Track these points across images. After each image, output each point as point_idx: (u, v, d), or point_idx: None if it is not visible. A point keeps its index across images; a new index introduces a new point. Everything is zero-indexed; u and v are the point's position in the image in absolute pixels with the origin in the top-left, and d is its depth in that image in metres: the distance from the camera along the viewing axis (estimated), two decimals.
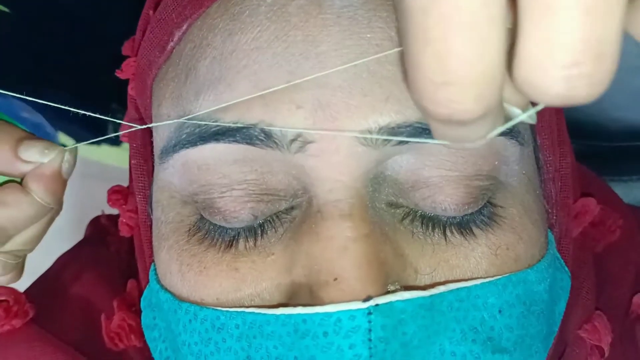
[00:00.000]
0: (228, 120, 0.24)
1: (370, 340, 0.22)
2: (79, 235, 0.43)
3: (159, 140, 0.28)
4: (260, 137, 0.23)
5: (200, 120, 0.24)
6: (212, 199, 0.25)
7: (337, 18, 0.24)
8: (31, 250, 0.30)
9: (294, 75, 0.23)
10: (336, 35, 0.23)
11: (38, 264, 0.39)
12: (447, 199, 0.24)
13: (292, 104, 0.23)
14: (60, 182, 0.27)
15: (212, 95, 0.24)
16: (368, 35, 0.23)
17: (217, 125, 0.24)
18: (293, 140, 0.23)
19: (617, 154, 0.46)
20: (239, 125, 0.23)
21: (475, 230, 0.25)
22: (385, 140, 0.23)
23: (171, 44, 0.27)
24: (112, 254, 0.38)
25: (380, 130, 0.23)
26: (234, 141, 0.24)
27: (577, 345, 0.31)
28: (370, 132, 0.23)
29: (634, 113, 0.45)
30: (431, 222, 0.25)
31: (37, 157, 0.26)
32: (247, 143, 0.24)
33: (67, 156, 0.27)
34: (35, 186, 0.27)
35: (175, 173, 0.26)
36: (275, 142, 0.23)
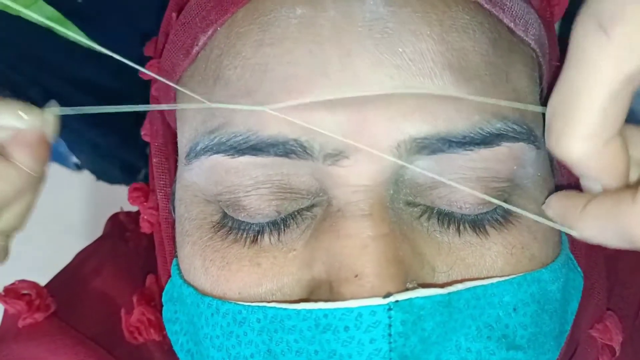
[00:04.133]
0: (267, 134, 0.24)
1: (390, 335, 0.22)
2: (94, 232, 0.44)
3: (185, 141, 0.28)
4: (297, 152, 0.24)
5: (242, 135, 0.25)
6: (237, 198, 0.26)
7: (369, 31, 0.24)
8: (21, 227, 0.27)
9: (333, 89, 0.24)
10: (370, 49, 0.24)
11: (55, 260, 0.40)
12: (463, 198, 0.25)
13: (331, 119, 0.24)
14: (46, 147, 0.24)
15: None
16: (399, 50, 0.24)
17: (255, 139, 0.24)
18: (332, 155, 0.24)
19: None
20: (279, 140, 0.24)
21: (489, 229, 0.25)
22: (417, 151, 0.24)
23: (196, 48, 0.28)
24: (131, 250, 0.39)
25: (412, 140, 0.24)
26: (270, 155, 0.24)
27: (588, 344, 0.32)
28: (403, 142, 0.24)
29: None
30: (446, 218, 0.25)
31: (13, 122, 0.23)
32: (283, 156, 0.24)
33: (48, 117, 0.24)
34: (22, 155, 0.24)
35: (201, 174, 0.27)
36: (311, 155, 0.24)
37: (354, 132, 0.24)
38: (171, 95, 0.30)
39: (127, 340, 0.34)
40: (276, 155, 0.24)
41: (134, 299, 0.35)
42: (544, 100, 0.30)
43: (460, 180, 0.25)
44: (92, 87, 0.45)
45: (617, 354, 0.32)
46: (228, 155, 0.25)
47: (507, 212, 0.26)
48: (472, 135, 0.24)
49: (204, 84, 0.27)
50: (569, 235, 0.30)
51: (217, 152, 0.25)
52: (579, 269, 0.30)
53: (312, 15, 0.24)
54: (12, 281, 0.34)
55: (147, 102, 0.34)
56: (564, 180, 0.30)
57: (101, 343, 0.34)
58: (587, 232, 0.22)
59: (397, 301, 0.22)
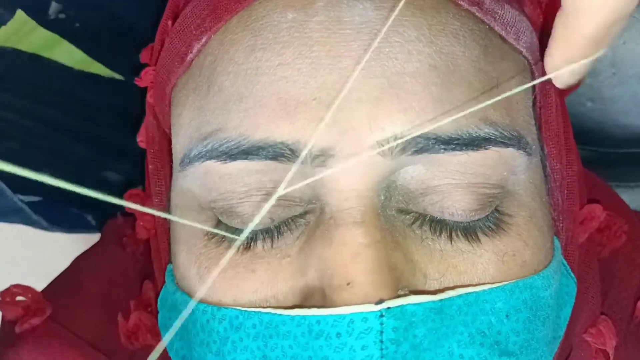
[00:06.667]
0: (257, 137, 0.24)
1: (381, 341, 0.22)
2: (92, 237, 0.44)
3: (179, 148, 0.28)
4: (286, 154, 0.24)
5: (234, 140, 0.25)
6: (230, 205, 0.26)
7: (357, 34, 0.24)
8: None
9: (321, 91, 0.24)
10: (357, 50, 0.24)
11: (53, 264, 0.40)
12: (455, 205, 0.25)
13: (317, 120, 0.24)
14: None
15: (241, 112, 0.25)
16: (387, 50, 0.24)
17: (247, 143, 0.25)
18: (317, 156, 0.24)
19: (624, 161, 0.47)
20: (269, 143, 0.24)
21: (481, 236, 0.26)
22: (402, 150, 0.24)
23: (190, 55, 0.28)
24: (128, 255, 0.39)
25: (396, 139, 0.24)
26: (261, 158, 0.24)
27: (582, 348, 0.32)
28: (388, 142, 0.24)
29: None
30: (439, 225, 0.25)
31: None
32: (272, 159, 0.24)
33: None
34: None
35: (195, 181, 0.27)
36: (298, 157, 0.24)
37: (338, 132, 0.24)
38: (166, 103, 0.30)
39: (124, 345, 0.34)
40: (266, 158, 0.24)
41: (131, 304, 0.35)
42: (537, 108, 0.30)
43: (451, 186, 0.25)
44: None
45: (611, 358, 0.32)
46: (220, 161, 0.25)
47: (499, 219, 0.26)
48: (458, 136, 0.24)
49: (198, 91, 0.27)
50: (562, 241, 0.31)
51: (210, 158, 0.26)
52: (572, 275, 0.30)
53: (303, 20, 0.25)
54: (12, 284, 0.34)
55: (140, 116, 0.34)
56: (557, 186, 0.31)
57: (98, 347, 0.34)
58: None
59: (389, 308, 0.23)
